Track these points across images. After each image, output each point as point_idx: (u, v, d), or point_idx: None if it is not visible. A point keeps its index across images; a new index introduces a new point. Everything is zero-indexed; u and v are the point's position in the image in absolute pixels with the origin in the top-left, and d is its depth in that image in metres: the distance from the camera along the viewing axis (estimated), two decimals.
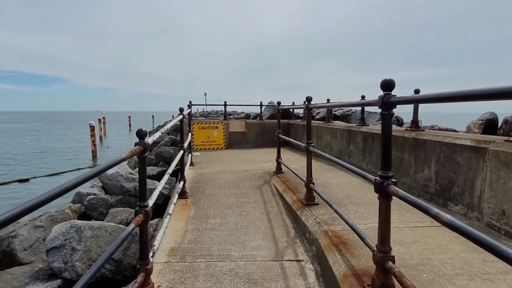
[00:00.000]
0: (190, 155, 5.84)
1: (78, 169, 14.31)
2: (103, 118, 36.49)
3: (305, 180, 3.36)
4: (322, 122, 7.30)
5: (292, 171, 4.04)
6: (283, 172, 5.05)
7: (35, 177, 13.19)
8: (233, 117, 15.58)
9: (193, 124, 8.10)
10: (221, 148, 8.34)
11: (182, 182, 3.91)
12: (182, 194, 3.95)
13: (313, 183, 3.31)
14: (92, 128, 22.05)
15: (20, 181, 12.48)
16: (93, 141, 22.27)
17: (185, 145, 3.98)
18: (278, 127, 5.02)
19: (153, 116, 49.73)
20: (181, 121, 3.87)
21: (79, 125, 52.39)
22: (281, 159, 5.03)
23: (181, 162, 3.93)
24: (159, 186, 2.56)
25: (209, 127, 8.22)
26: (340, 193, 3.82)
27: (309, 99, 3.30)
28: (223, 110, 9.35)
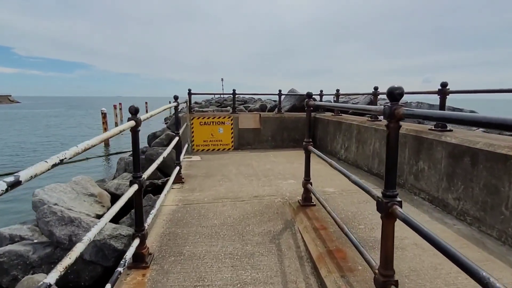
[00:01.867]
0: (178, 167, 4.10)
1: (87, 158, 13.53)
2: (120, 104, 35.53)
3: (378, 272, 1.54)
4: (365, 119, 5.30)
5: (339, 225, 2.21)
6: (314, 205, 3.22)
7: None
8: (244, 107, 13.63)
9: (192, 119, 6.34)
10: (228, 149, 6.56)
11: (137, 240, 2.17)
12: (139, 260, 2.23)
13: (396, 284, 1.48)
14: (104, 115, 20.96)
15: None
16: (105, 129, 21.24)
17: (145, 175, 2.20)
18: (307, 134, 3.13)
19: (170, 102, 48.33)
20: (134, 131, 2.09)
21: (98, 111, 52.46)
22: (310, 183, 3.19)
23: (137, 206, 2.18)
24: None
25: (213, 122, 6.42)
26: (431, 273, 1.96)
27: (394, 94, 1.41)
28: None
